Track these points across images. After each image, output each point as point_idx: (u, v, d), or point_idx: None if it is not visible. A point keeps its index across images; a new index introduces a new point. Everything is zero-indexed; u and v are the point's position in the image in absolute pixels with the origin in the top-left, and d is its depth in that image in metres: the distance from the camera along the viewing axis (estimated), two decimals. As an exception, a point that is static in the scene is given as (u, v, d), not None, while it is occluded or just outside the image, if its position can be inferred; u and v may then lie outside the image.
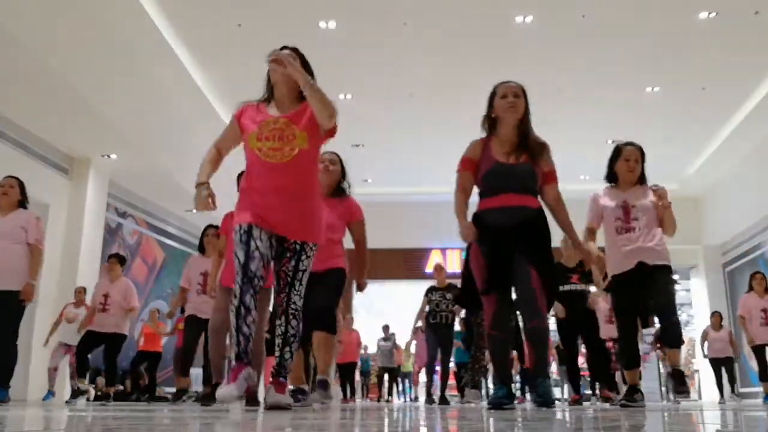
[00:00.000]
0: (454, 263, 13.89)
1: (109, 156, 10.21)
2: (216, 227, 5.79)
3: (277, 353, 2.97)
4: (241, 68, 9.28)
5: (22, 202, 5.01)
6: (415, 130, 11.00)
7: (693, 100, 9.95)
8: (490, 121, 3.43)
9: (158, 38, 8.03)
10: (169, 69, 8.70)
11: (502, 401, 3.17)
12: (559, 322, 5.99)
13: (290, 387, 4.03)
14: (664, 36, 8.35)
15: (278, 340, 2.96)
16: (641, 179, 4.14)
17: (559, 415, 2.63)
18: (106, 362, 6.85)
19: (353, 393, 11.33)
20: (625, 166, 4.10)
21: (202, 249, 5.89)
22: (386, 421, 2.22)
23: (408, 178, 13.23)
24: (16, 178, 5.08)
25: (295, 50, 3.11)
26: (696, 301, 14.84)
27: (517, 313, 3.45)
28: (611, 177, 4.18)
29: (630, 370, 4.02)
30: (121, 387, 9.12)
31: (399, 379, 13.38)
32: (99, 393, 8.44)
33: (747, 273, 10.17)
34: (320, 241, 3.06)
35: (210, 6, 7.76)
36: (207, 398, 5.47)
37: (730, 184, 11.74)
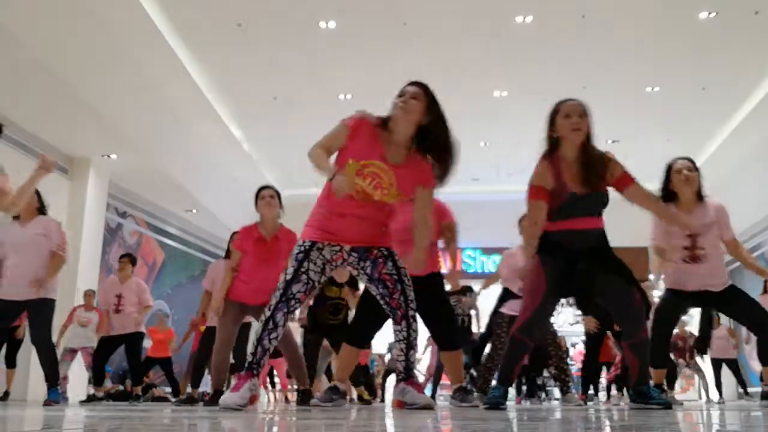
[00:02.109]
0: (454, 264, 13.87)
1: (109, 156, 10.20)
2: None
3: (402, 358, 3.02)
4: (241, 68, 9.28)
5: (41, 209, 5.01)
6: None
7: (693, 100, 9.94)
8: (552, 141, 3.30)
9: (158, 38, 8.02)
10: (168, 69, 8.69)
11: (499, 401, 3.19)
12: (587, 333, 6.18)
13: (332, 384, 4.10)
14: (664, 36, 8.34)
15: (401, 345, 2.99)
16: (699, 194, 4.01)
17: (558, 415, 2.63)
18: (130, 363, 6.85)
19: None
20: (679, 178, 3.97)
21: (228, 254, 5.80)
22: (387, 421, 2.22)
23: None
24: None
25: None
26: (696, 301, 14.81)
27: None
28: (668, 197, 4.01)
29: (658, 369, 4.11)
30: (121, 387, 9.09)
31: None
32: (110, 393, 8.39)
33: (747, 273, 10.13)
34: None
35: (210, 6, 7.76)
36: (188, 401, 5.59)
37: (730, 184, 11.71)
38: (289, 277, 2.89)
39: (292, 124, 10.02)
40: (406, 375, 3.06)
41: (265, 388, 10.73)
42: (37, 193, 5.04)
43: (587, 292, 3.37)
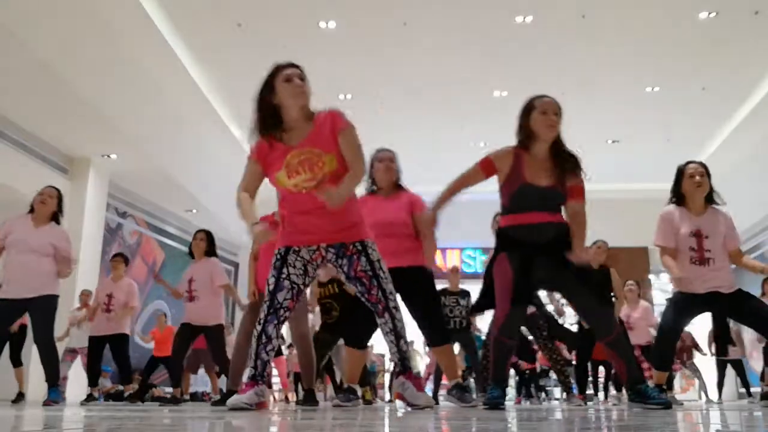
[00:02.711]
0: (453, 263, 13.87)
1: (109, 156, 10.20)
2: (204, 231, 6.03)
3: (393, 350, 2.96)
4: (242, 68, 9.27)
5: (56, 215, 5.07)
6: (414, 130, 11.00)
7: (693, 100, 9.94)
8: (525, 134, 3.30)
9: (158, 38, 8.02)
10: (169, 69, 8.69)
11: (498, 401, 3.20)
12: (579, 325, 6.15)
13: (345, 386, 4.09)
14: (664, 36, 8.35)
15: (390, 337, 2.94)
16: (710, 198, 3.97)
17: (558, 415, 2.63)
18: (117, 364, 6.86)
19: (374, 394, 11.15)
20: (691, 183, 3.94)
21: (192, 254, 5.97)
22: (386, 421, 2.22)
23: (408, 177, 13.16)
24: (57, 190, 5.13)
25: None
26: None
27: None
28: (679, 200, 4.03)
29: (661, 372, 4.14)
30: (120, 387, 9.07)
31: None
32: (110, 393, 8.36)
33: (746, 274, 10.13)
34: (372, 237, 3.03)
35: (210, 6, 7.76)
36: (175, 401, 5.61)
37: (730, 184, 11.69)
38: (272, 287, 2.88)
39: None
40: (403, 367, 3.03)
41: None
42: (59, 196, 5.07)
43: (548, 287, 3.38)
